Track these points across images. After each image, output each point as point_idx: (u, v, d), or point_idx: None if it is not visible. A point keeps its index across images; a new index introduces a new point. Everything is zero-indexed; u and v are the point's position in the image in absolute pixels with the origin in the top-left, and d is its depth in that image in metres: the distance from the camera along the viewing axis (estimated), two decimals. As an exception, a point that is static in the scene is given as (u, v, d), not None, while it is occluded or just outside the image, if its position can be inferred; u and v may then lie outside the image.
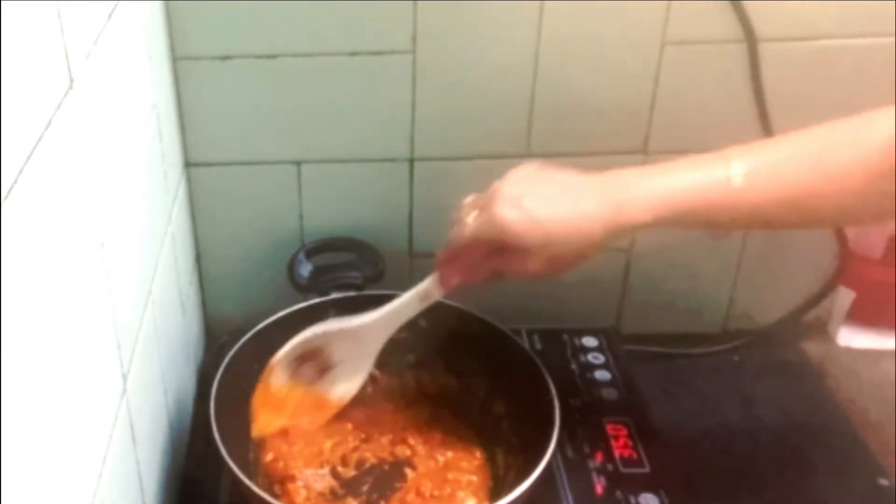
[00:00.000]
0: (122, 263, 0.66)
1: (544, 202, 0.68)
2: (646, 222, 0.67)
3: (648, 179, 0.68)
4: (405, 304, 0.78)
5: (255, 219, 0.98)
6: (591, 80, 0.91)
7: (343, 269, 0.94)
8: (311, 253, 0.95)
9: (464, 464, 0.82)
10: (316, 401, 0.82)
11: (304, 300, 0.90)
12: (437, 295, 0.77)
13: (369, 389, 0.90)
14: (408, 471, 0.82)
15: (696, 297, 1.04)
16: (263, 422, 0.80)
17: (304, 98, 0.91)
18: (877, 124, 0.65)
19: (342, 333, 0.79)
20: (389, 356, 0.91)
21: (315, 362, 0.81)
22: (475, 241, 0.71)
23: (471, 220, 0.70)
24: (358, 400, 0.89)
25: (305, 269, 0.94)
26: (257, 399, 0.80)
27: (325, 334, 0.79)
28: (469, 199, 0.72)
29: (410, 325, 0.90)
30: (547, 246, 0.68)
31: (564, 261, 0.70)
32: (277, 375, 0.80)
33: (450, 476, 0.81)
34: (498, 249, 0.70)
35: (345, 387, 0.82)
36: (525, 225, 0.67)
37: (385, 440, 0.85)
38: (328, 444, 0.84)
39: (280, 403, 0.80)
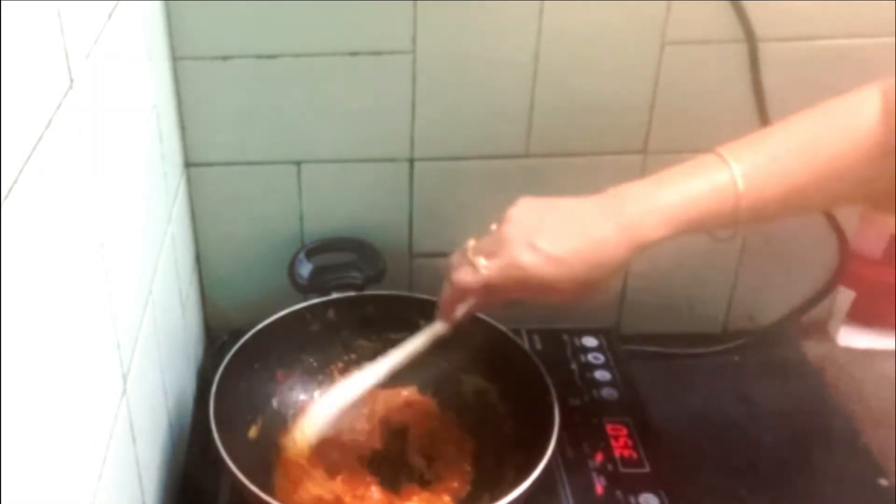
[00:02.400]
0: (122, 263, 0.66)
1: (558, 238, 0.67)
2: (663, 236, 0.66)
3: (655, 193, 0.67)
4: (415, 350, 0.78)
5: (255, 219, 0.98)
6: (591, 80, 0.91)
7: (344, 269, 0.94)
8: (311, 253, 0.95)
9: (463, 464, 0.82)
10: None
11: (305, 300, 0.90)
12: (446, 333, 0.77)
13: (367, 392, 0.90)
14: (407, 470, 0.82)
15: (696, 297, 1.04)
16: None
17: (304, 98, 0.91)
18: (864, 104, 0.65)
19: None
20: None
21: None
22: (490, 286, 0.69)
23: (483, 266, 0.69)
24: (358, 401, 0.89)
25: (306, 269, 0.94)
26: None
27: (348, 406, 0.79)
28: (471, 244, 0.71)
29: (410, 326, 0.90)
30: (574, 283, 0.67)
31: (591, 286, 0.69)
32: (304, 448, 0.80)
33: (449, 475, 0.81)
34: (514, 289, 0.69)
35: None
36: (548, 267, 0.66)
37: (384, 440, 0.85)
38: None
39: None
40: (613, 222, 0.67)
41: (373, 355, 0.91)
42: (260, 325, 0.85)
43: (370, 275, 0.94)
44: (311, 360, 0.90)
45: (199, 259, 1.00)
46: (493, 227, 0.71)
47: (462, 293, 0.72)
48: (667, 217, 0.66)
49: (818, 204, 0.71)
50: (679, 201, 0.66)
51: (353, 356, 0.91)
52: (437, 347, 0.89)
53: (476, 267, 0.69)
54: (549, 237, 0.67)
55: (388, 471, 0.82)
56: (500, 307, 0.74)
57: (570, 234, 0.67)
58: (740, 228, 0.67)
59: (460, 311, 0.75)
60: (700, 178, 0.67)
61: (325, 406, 0.79)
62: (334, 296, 0.91)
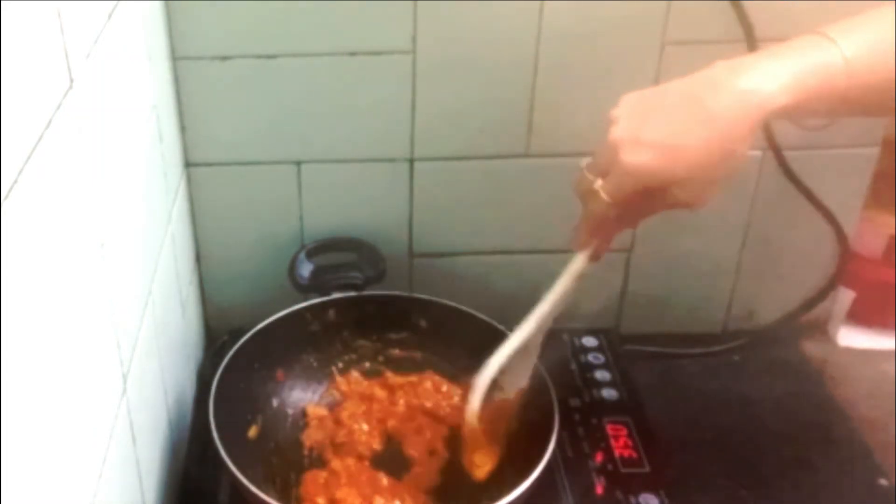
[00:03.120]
0: (122, 263, 0.66)
1: (668, 124, 0.62)
2: (786, 104, 0.61)
3: (770, 61, 0.62)
4: (562, 292, 0.72)
5: (255, 219, 0.98)
6: (590, 80, 0.91)
7: (344, 269, 0.94)
8: (312, 253, 0.95)
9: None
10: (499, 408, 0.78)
11: (304, 300, 0.90)
12: (590, 268, 0.71)
13: (367, 392, 0.90)
14: (406, 469, 0.82)
15: (696, 297, 1.04)
16: (482, 463, 0.77)
17: (304, 98, 0.91)
18: None
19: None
20: (389, 356, 0.92)
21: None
22: (619, 203, 0.64)
23: (601, 189, 0.64)
24: (358, 401, 0.89)
25: (306, 269, 0.94)
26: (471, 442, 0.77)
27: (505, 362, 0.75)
28: (585, 164, 0.66)
29: (410, 326, 0.91)
30: (696, 172, 0.62)
31: (718, 169, 0.63)
32: (473, 413, 0.76)
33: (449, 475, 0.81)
34: (641, 198, 0.64)
35: (518, 380, 0.77)
36: (664, 162, 0.61)
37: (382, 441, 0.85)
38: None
39: (483, 438, 0.77)
40: (728, 91, 0.61)
41: (373, 355, 0.91)
42: (260, 325, 0.86)
43: (370, 275, 0.94)
44: (311, 359, 0.90)
45: (199, 259, 1.00)
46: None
47: (598, 224, 0.67)
48: (787, 84, 0.61)
49: None
50: (795, 71, 0.62)
51: (354, 356, 0.91)
52: (438, 347, 0.90)
53: (596, 193, 0.64)
54: (657, 126, 0.62)
55: (388, 471, 0.82)
56: (646, 218, 0.69)
57: (680, 114, 0.62)
58: (844, 111, 0.64)
59: (603, 245, 0.70)
60: (809, 53, 0.63)
61: (486, 374, 0.76)
62: (335, 296, 0.91)
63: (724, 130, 0.61)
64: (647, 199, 0.64)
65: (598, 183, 0.64)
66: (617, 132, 0.63)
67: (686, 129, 0.61)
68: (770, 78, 0.61)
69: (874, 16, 0.66)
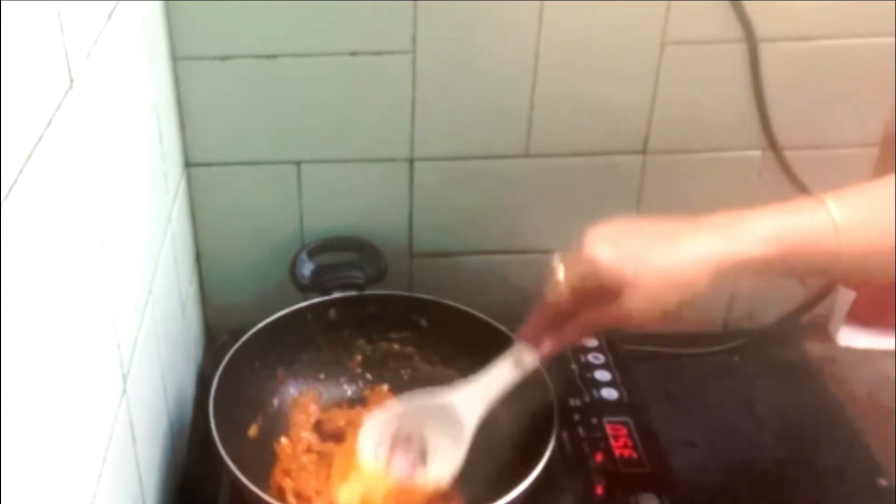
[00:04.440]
0: (122, 263, 0.66)
1: (641, 241, 0.65)
2: (757, 257, 0.64)
3: (754, 218, 0.65)
4: (498, 374, 0.74)
5: (255, 219, 0.98)
6: (590, 80, 0.91)
7: (345, 269, 0.94)
8: (312, 252, 0.95)
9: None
10: (408, 490, 0.76)
11: (304, 300, 0.90)
12: (531, 362, 0.73)
13: (367, 393, 0.90)
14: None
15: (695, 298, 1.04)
16: (347, 495, 0.76)
17: (304, 98, 0.91)
18: None
19: (434, 410, 0.75)
20: (390, 357, 0.92)
21: (407, 449, 0.77)
22: (570, 293, 0.67)
23: (561, 272, 0.67)
24: (358, 403, 0.89)
25: (307, 269, 0.94)
26: (342, 463, 0.78)
27: (417, 412, 0.76)
28: (556, 259, 0.69)
29: (411, 325, 0.91)
30: (657, 282, 0.64)
31: (667, 303, 0.66)
32: (367, 450, 0.76)
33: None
34: (594, 300, 0.67)
35: (440, 469, 0.76)
36: (628, 264, 0.64)
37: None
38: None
39: (369, 482, 0.76)
40: (705, 235, 0.64)
41: (373, 355, 0.91)
42: (260, 325, 0.86)
43: (371, 274, 0.94)
44: (312, 359, 0.90)
45: (199, 259, 1.00)
46: None
47: (543, 314, 0.70)
48: (765, 237, 0.63)
49: None
50: (777, 227, 0.64)
51: (354, 355, 0.91)
52: (438, 347, 0.89)
53: (557, 281, 0.68)
54: (632, 240, 0.65)
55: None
56: (592, 330, 0.71)
57: (655, 239, 0.65)
58: (834, 273, 0.66)
59: (547, 342, 0.72)
60: (798, 214, 0.65)
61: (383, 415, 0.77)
62: (335, 295, 0.91)
63: (688, 261, 0.64)
64: (599, 300, 0.67)
65: (561, 268, 0.67)
66: (594, 234, 0.66)
67: (656, 249, 0.65)
68: (752, 232, 0.64)
69: (877, 185, 0.67)
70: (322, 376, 0.90)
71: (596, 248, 0.65)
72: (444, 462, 0.75)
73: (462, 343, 0.87)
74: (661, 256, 0.64)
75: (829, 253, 0.64)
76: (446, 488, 0.76)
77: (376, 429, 0.77)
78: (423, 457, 0.77)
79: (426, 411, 0.76)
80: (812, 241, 0.64)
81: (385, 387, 0.90)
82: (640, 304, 0.65)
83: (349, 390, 0.91)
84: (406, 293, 0.93)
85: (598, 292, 0.66)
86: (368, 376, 0.91)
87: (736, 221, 0.65)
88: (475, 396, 0.74)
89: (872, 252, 0.65)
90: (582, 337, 0.72)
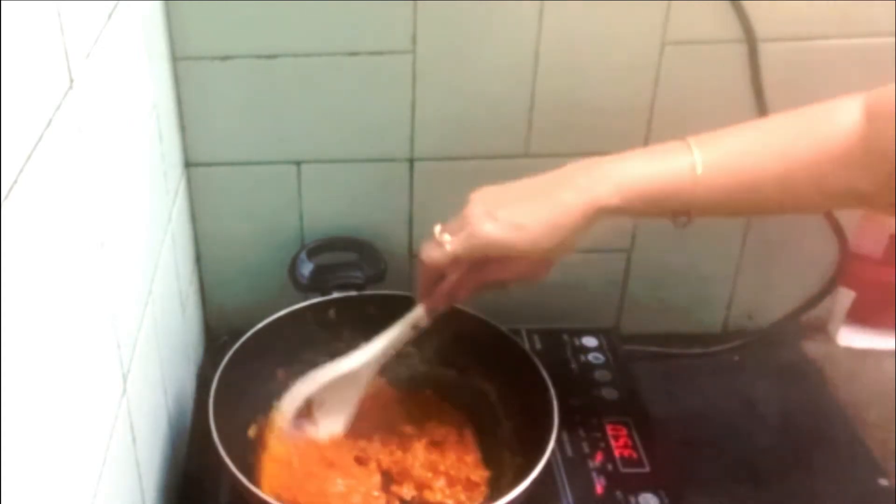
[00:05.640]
0: (122, 263, 0.66)
1: (517, 206, 0.70)
2: (617, 205, 0.68)
3: (613, 165, 0.69)
4: (395, 337, 0.80)
5: (255, 219, 0.98)
6: (591, 80, 0.91)
7: (345, 269, 0.94)
8: (312, 252, 0.95)
9: (463, 464, 0.82)
10: (308, 445, 0.82)
11: (304, 300, 0.90)
12: (426, 322, 0.79)
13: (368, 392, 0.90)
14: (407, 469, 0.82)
15: (696, 297, 1.04)
16: (273, 479, 0.79)
17: (304, 98, 0.91)
18: (841, 112, 0.65)
19: (337, 379, 0.81)
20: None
21: (307, 414, 0.82)
22: (458, 261, 0.72)
23: (448, 242, 0.72)
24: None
25: (307, 269, 0.94)
26: (266, 457, 0.80)
27: (325, 385, 0.81)
28: (438, 228, 0.73)
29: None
30: (534, 248, 0.69)
31: (549, 259, 0.73)
32: (279, 430, 0.81)
33: (450, 475, 0.81)
34: (480, 264, 0.73)
35: (333, 423, 0.83)
36: (508, 232, 0.69)
37: (383, 443, 0.85)
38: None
39: (284, 458, 0.80)
40: (571, 187, 0.69)
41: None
42: (260, 325, 0.86)
43: (371, 274, 0.94)
44: (312, 359, 0.90)
45: (199, 259, 1.00)
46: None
47: (432, 271, 0.75)
48: (622, 186, 0.68)
49: (778, 205, 0.72)
50: (636, 175, 0.68)
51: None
52: (438, 348, 0.89)
53: (442, 244, 0.72)
54: (509, 207, 0.70)
55: (388, 471, 0.82)
56: (478, 291, 0.76)
57: (529, 201, 0.70)
58: (695, 214, 0.69)
59: (439, 301, 0.77)
60: (660, 159, 0.69)
61: (300, 387, 0.81)
62: (335, 295, 0.91)
63: (560, 217, 0.69)
64: (483, 268, 0.73)
65: (446, 236, 0.72)
66: (473, 208, 0.71)
67: (531, 212, 0.69)
68: (608, 180, 0.68)
69: (744, 129, 0.71)
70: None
71: (476, 225, 0.70)
72: (335, 418, 0.82)
73: (461, 343, 0.87)
74: (535, 215, 0.69)
75: (686, 195, 0.68)
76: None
77: (288, 408, 0.81)
78: (313, 412, 0.82)
79: (329, 379, 0.81)
80: (669, 185, 0.68)
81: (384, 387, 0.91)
82: (524, 265, 0.72)
83: (349, 390, 0.91)
84: (406, 293, 0.93)
85: (483, 259, 0.72)
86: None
87: (596, 167, 0.69)
88: (373, 360, 0.80)
89: (726, 196, 0.68)
90: (471, 295, 0.77)
